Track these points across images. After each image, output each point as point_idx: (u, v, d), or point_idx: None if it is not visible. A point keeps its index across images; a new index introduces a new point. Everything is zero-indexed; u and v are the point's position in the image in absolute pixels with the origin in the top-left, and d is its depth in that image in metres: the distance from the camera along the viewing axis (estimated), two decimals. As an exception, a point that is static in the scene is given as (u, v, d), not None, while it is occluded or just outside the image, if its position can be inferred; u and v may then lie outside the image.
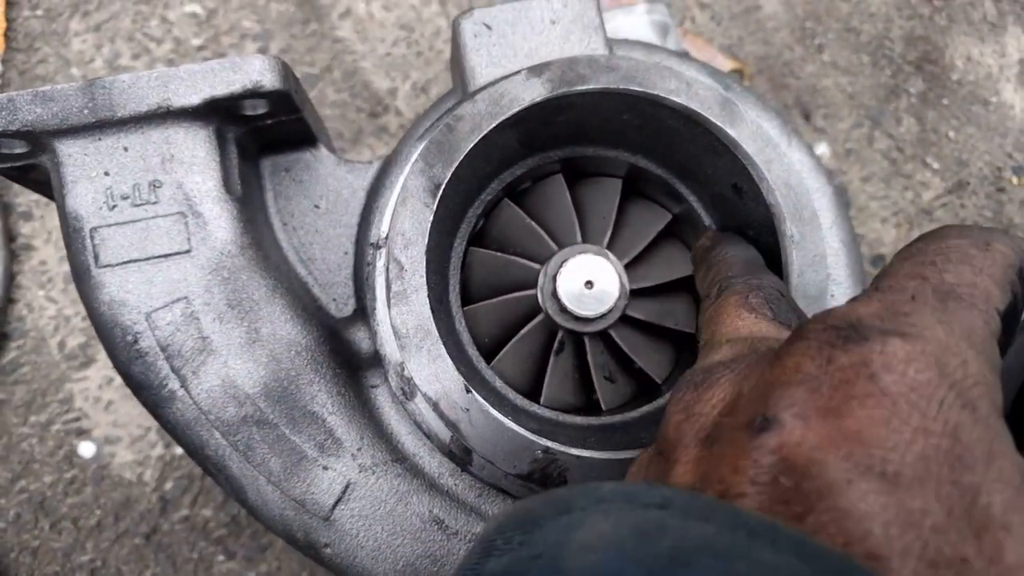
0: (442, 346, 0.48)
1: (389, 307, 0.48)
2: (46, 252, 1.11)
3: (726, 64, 1.13)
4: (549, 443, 0.48)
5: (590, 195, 0.64)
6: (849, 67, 1.27)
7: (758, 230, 0.53)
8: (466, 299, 0.62)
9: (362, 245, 0.62)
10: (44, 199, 1.13)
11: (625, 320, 0.61)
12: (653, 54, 0.62)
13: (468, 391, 0.48)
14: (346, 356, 0.58)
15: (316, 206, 0.65)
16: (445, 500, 0.55)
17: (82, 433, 1.10)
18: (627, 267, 0.61)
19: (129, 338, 0.54)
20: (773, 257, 0.52)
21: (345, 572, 0.54)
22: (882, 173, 1.25)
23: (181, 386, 0.53)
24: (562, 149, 0.59)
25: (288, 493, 0.53)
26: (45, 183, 0.60)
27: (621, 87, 0.51)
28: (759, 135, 0.51)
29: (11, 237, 1.10)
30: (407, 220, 0.49)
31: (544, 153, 0.59)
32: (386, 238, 0.50)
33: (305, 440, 0.54)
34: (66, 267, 1.12)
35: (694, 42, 1.13)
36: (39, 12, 1.16)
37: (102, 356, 1.10)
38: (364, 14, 1.21)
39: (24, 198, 1.12)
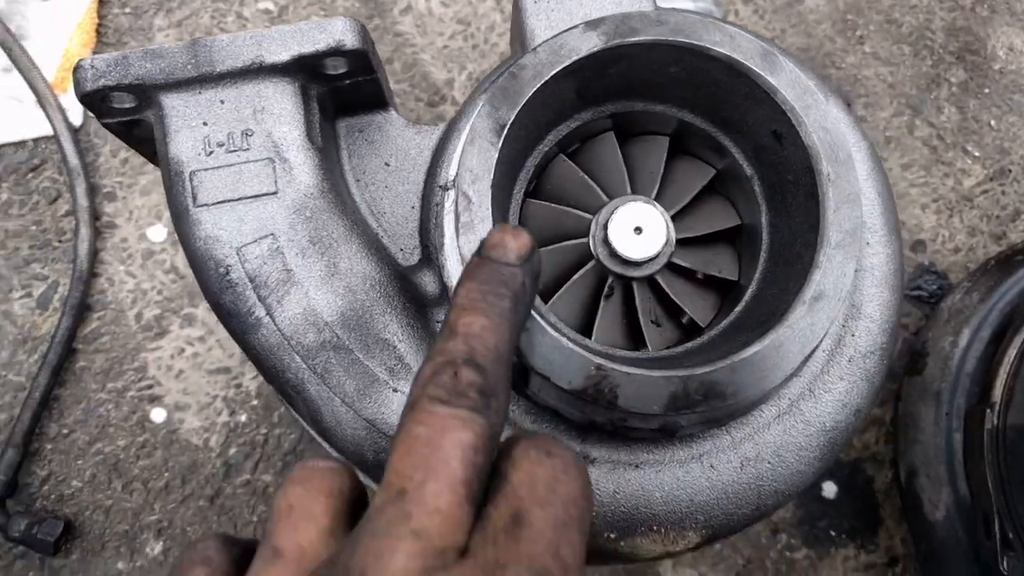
0: (505, 270, 0.53)
1: (458, 236, 0.53)
2: (127, 230, 1.20)
3: (768, 52, 1.17)
4: (602, 360, 0.52)
5: (639, 152, 0.69)
6: (890, 57, 1.30)
7: (797, 173, 0.57)
8: (523, 248, 0.67)
9: (428, 199, 0.67)
10: (127, 180, 1.22)
11: (671, 268, 0.66)
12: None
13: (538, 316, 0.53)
14: (415, 295, 0.63)
15: (386, 164, 0.71)
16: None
17: (154, 400, 1.17)
18: (673, 218, 0.65)
19: (221, 270, 0.60)
20: (810, 195, 0.56)
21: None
22: (922, 160, 1.27)
23: (267, 314, 0.59)
24: (613, 103, 0.64)
25: (361, 413, 0.58)
26: (146, 140, 0.67)
27: (669, 39, 0.56)
28: (797, 83, 0.56)
29: (96, 216, 1.18)
30: (475, 157, 0.54)
31: (597, 107, 0.64)
32: (455, 178, 0.55)
33: (377, 365, 0.59)
34: (144, 244, 1.20)
35: (737, 31, 1.17)
36: (127, 9, 1.26)
37: (175, 328, 1.18)
38: (424, 9, 1.28)
39: (109, 179, 1.21)
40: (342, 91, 0.67)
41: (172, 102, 0.61)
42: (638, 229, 0.62)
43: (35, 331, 1.17)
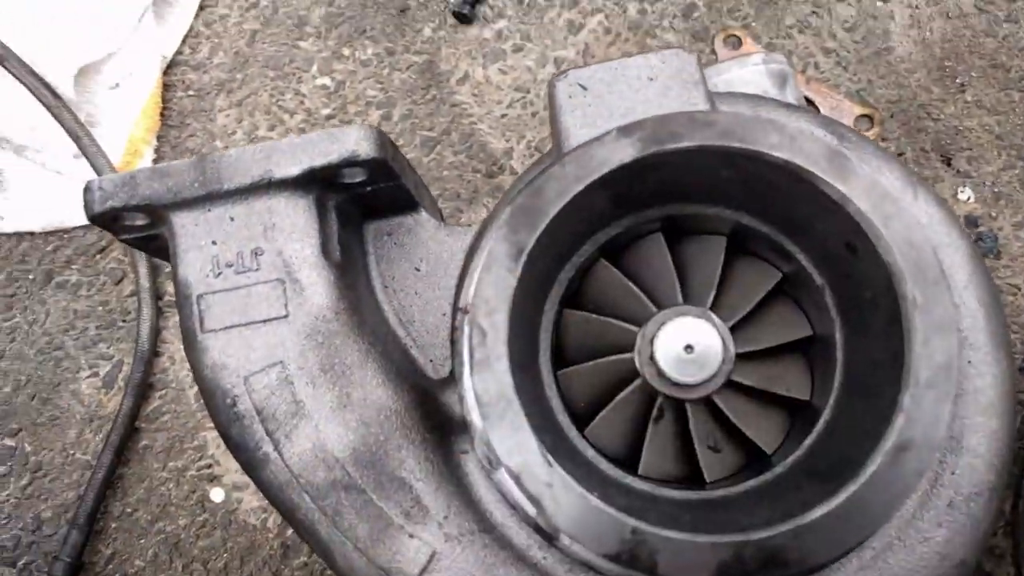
0: (524, 417, 0.46)
1: (472, 375, 0.47)
2: (185, 310, 1.20)
3: (854, 110, 1.07)
4: (637, 523, 0.45)
5: (692, 253, 0.61)
6: (996, 106, 1.16)
7: (876, 291, 0.48)
8: (561, 363, 0.60)
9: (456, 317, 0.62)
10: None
11: (731, 385, 0.57)
12: (759, 107, 0.58)
13: (550, 465, 0.46)
14: (440, 419, 0.57)
15: (416, 269, 0.66)
16: (532, 569, 0.52)
17: (213, 479, 1.16)
18: (733, 329, 0.57)
19: (228, 401, 0.55)
20: (893, 320, 0.47)
21: (430, 647, 0.52)
22: (1043, 219, 1.12)
23: (275, 449, 0.54)
24: (659, 208, 0.57)
25: (374, 560, 0.53)
26: (166, 250, 0.64)
27: (717, 143, 0.48)
28: (875, 189, 0.47)
29: (159, 295, 1.19)
30: (490, 287, 0.48)
31: (640, 212, 0.57)
32: (470, 325, 0.50)
33: (392, 507, 0.53)
34: (202, 324, 1.19)
35: (818, 89, 1.08)
36: (191, 92, 1.28)
37: (231, 408, 1.16)
38: (481, 78, 1.24)
39: (169, 260, 1.22)
40: (365, 197, 0.62)
41: (181, 220, 0.58)
42: (689, 348, 0.54)
43: (101, 410, 1.18)
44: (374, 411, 0.55)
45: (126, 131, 1.22)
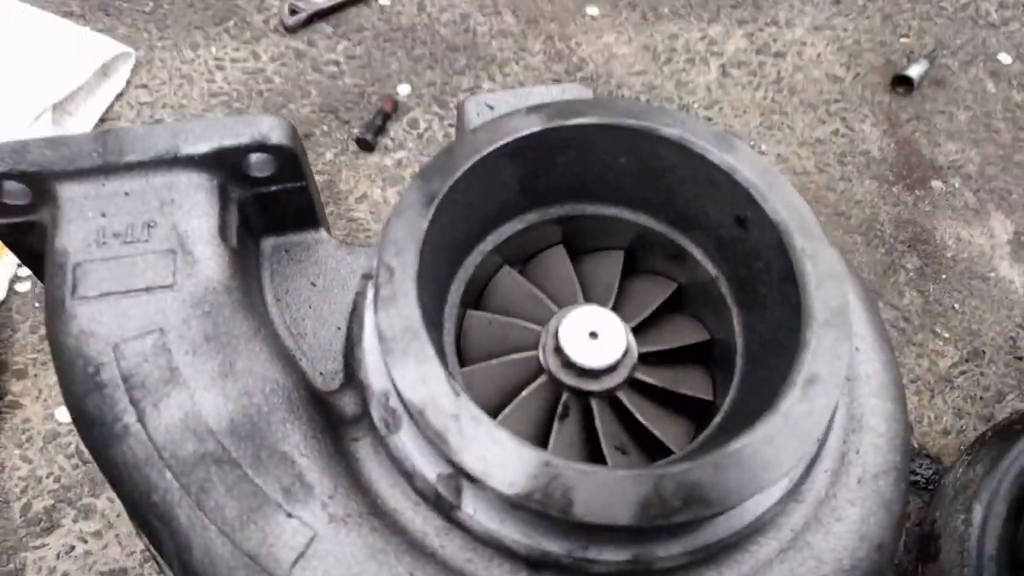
0: (430, 346, 0.43)
1: (376, 312, 0.45)
2: (32, 410, 1.07)
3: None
4: (550, 456, 0.41)
5: (592, 267, 0.62)
6: (844, 246, 1.31)
7: (768, 256, 0.51)
8: (464, 366, 0.58)
9: (353, 320, 0.59)
10: (43, 357, 1.11)
11: (635, 386, 0.56)
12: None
13: (457, 395, 0.43)
14: (329, 414, 0.52)
15: (312, 284, 0.64)
16: (429, 563, 0.46)
17: (27, 616, 0.97)
18: (634, 332, 0.57)
19: (91, 369, 0.49)
20: (787, 276, 0.49)
21: (302, 654, 0.44)
22: (893, 342, 1.22)
23: (137, 420, 0.48)
24: (561, 205, 0.59)
25: (240, 545, 0.45)
26: (37, 256, 0.59)
27: (616, 120, 0.52)
28: (757, 161, 0.51)
29: (1, 395, 1.06)
30: (400, 229, 0.47)
31: (543, 208, 0.59)
32: (377, 265, 0.48)
33: (270, 482, 0.47)
34: (49, 425, 1.07)
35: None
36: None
37: (67, 521, 1.01)
38: (379, 198, 1.29)
39: (23, 356, 1.11)
40: (268, 201, 0.61)
41: (69, 193, 0.55)
42: (593, 334, 0.54)
43: (-102, 529, 0.99)
44: (260, 381, 0.50)
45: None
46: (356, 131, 1.30)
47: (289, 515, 0.46)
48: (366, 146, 1.29)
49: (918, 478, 1.10)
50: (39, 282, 1.18)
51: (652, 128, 0.52)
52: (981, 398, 1.17)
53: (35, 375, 1.10)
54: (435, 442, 0.42)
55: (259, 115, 0.58)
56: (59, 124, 1.24)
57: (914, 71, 1.44)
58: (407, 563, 0.45)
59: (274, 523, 0.46)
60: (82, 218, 0.54)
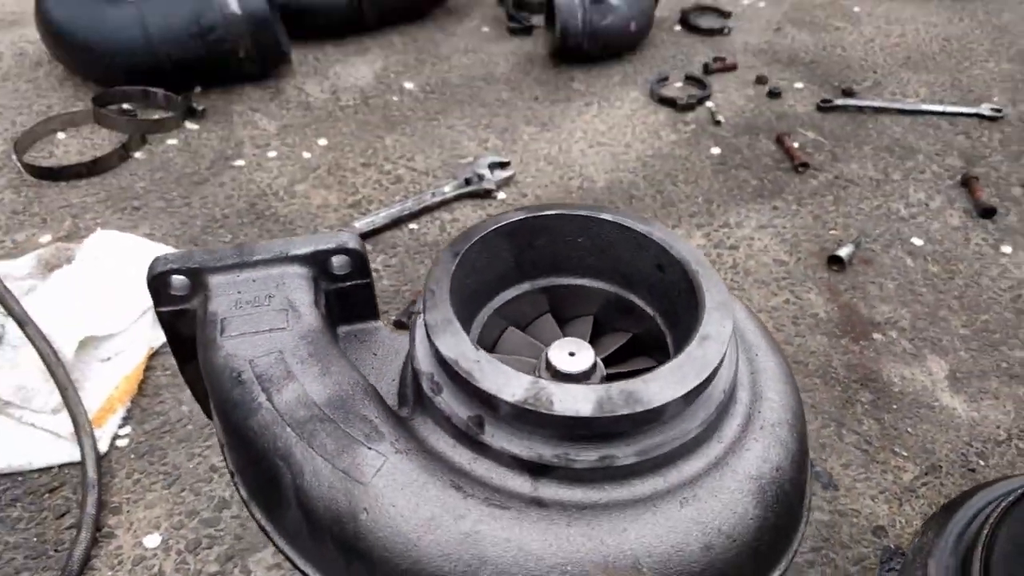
0: (459, 327, 0.69)
1: (425, 314, 0.71)
2: (124, 539, 1.25)
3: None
4: (536, 377, 0.65)
5: (571, 328, 0.88)
6: (804, 386, 1.53)
7: (679, 287, 0.77)
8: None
9: (404, 373, 0.84)
10: (135, 496, 1.31)
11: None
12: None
13: (477, 350, 0.67)
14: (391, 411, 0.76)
15: (374, 354, 0.89)
16: (463, 476, 0.67)
17: None
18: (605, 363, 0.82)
19: (234, 374, 0.74)
20: (690, 291, 0.75)
21: (378, 535, 0.63)
22: (859, 460, 1.41)
23: (267, 399, 0.71)
24: (545, 278, 0.86)
25: (337, 465, 0.66)
26: (187, 340, 0.86)
27: (572, 211, 0.82)
28: (664, 231, 0.80)
29: (98, 527, 1.25)
30: (437, 271, 0.74)
31: (532, 280, 0.86)
32: (424, 290, 0.75)
33: (355, 431, 0.69)
34: (138, 551, 1.24)
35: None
36: (168, 372, 1.52)
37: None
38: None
39: (118, 497, 1.31)
40: (344, 295, 0.89)
41: (216, 280, 0.83)
42: (572, 353, 0.79)
43: (0, 643, 1.13)
44: (346, 379, 0.74)
45: (107, 392, 1.43)
46: (394, 317, 1.61)
47: (369, 448, 0.68)
48: (402, 326, 1.59)
49: (894, 574, 1.22)
50: (136, 438, 1.42)
51: (596, 214, 0.82)
52: (943, 505, 1.32)
53: (128, 511, 1.28)
54: (465, 378, 0.66)
55: (339, 231, 0.88)
56: (156, 324, 1.56)
57: (843, 251, 1.77)
58: (448, 473, 0.66)
59: (359, 452, 0.67)
60: (225, 295, 0.82)
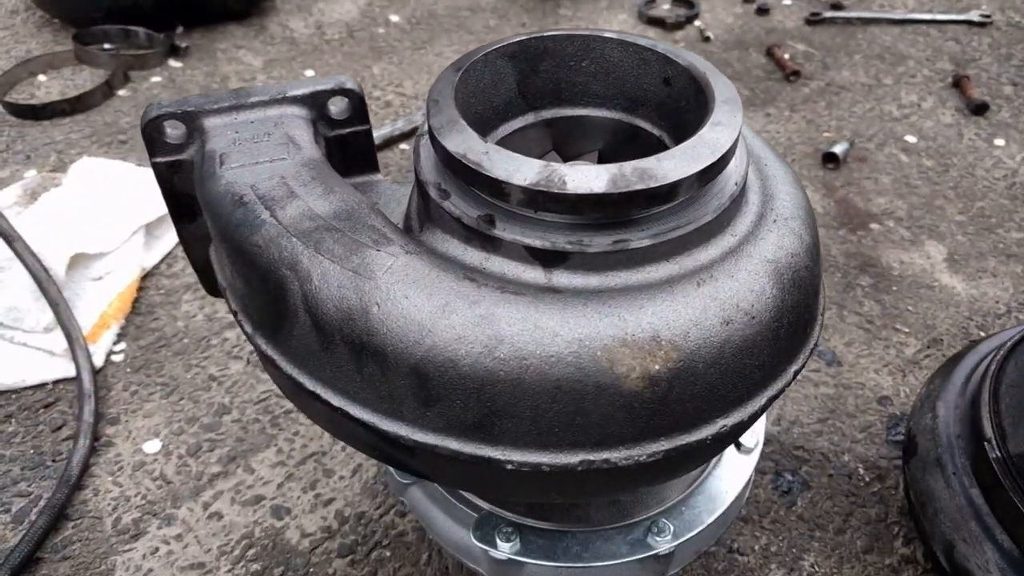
0: (465, 123, 0.67)
1: (429, 118, 0.69)
2: (123, 447, 1.23)
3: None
4: (548, 161, 0.63)
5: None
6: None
7: (688, 96, 0.76)
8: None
9: (408, 212, 0.82)
10: (133, 407, 1.29)
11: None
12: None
13: (485, 142, 0.65)
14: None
15: (375, 204, 0.87)
16: (476, 272, 0.65)
17: (113, 613, 1.05)
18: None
19: (236, 199, 0.72)
20: (699, 92, 0.73)
21: (391, 326, 0.62)
22: (862, 339, 1.41)
23: (271, 215, 0.70)
24: (548, 109, 0.85)
25: (346, 266, 0.65)
26: (179, 196, 0.84)
27: (574, 32, 0.80)
28: (667, 45, 0.79)
29: (96, 436, 1.23)
30: (440, 83, 0.73)
31: (536, 112, 0.85)
32: (427, 102, 0.73)
33: (363, 238, 0.68)
34: (137, 457, 1.22)
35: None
36: (161, 292, 1.50)
37: (152, 528, 1.13)
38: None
39: (116, 408, 1.29)
40: (343, 143, 0.87)
41: (213, 122, 0.81)
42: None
43: (2, 543, 1.11)
44: (351, 198, 0.72)
45: (99, 310, 1.41)
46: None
47: (378, 250, 0.66)
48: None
49: (904, 438, 1.22)
50: (132, 353, 1.40)
51: (599, 33, 0.80)
52: (948, 369, 1.33)
53: (126, 420, 1.26)
54: (475, 169, 0.64)
55: (336, 75, 0.86)
56: (150, 238, 1.53)
57: (838, 148, 1.77)
58: (460, 266, 0.65)
59: (369, 254, 0.66)
60: (223, 135, 0.80)
